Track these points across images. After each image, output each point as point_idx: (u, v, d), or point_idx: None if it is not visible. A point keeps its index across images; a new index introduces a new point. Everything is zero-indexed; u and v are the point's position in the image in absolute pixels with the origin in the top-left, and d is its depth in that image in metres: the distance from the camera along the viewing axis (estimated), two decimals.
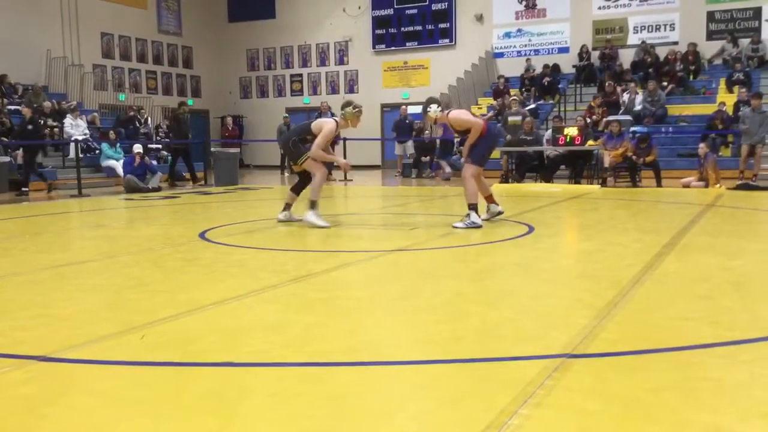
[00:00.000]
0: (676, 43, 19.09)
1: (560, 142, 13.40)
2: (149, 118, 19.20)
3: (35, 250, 6.23)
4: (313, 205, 7.03)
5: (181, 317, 3.53)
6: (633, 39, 19.80)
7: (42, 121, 15.85)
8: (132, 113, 18.16)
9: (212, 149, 16.79)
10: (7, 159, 13.98)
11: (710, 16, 18.96)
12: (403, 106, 18.59)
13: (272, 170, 17.40)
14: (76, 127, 16.18)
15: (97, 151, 16.04)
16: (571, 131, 13.33)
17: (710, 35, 18.93)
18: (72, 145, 15.04)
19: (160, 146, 17.74)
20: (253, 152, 24.27)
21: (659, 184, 12.45)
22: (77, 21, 19.94)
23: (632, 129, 14.55)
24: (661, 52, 18.79)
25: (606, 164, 13.03)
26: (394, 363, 2.86)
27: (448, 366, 2.79)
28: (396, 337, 3.25)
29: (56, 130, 15.99)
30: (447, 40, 21.96)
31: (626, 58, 19.39)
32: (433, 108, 7.02)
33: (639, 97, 16.71)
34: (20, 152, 14.35)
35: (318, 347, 3.04)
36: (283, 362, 2.85)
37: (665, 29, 19.50)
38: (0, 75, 16.98)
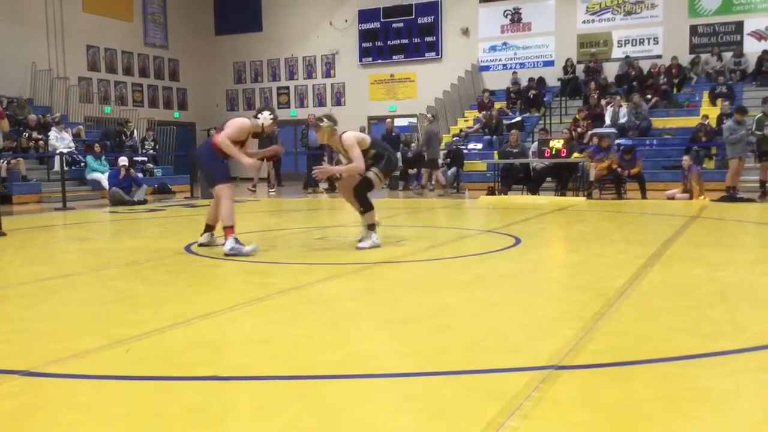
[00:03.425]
0: (659, 56, 19.30)
1: (546, 154, 13.47)
2: (135, 131, 19.13)
3: (19, 264, 6.17)
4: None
5: (166, 331, 3.50)
6: (617, 52, 20.00)
7: (27, 134, 15.77)
8: (119, 127, 18.09)
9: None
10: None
11: (693, 30, 19.20)
12: (389, 119, 18.64)
13: (259, 183, 17.35)
14: (61, 140, 16.08)
15: (82, 164, 15.95)
16: (557, 144, 13.41)
17: (693, 49, 19.17)
18: (57, 158, 14.94)
19: (146, 159, 17.65)
20: (239, 165, 24.17)
21: (644, 196, 12.54)
22: (63, 33, 19.87)
23: (617, 141, 14.67)
24: (645, 66, 18.99)
25: (592, 177, 13.12)
26: (382, 375, 2.85)
27: (435, 378, 2.78)
28: (383, 350, 3.23)
29: (41, 142, 15.89)
30: (433, 54, 22.08)
31: (611, 71, 19.58)
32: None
33: (623, 110, 16.86)
34: (4, 164, 14.25)
35: (305, 360, 3.02)
36: (269, 375, 2.83)
37: (649, 43, 19.72)
38: None
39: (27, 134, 15.81)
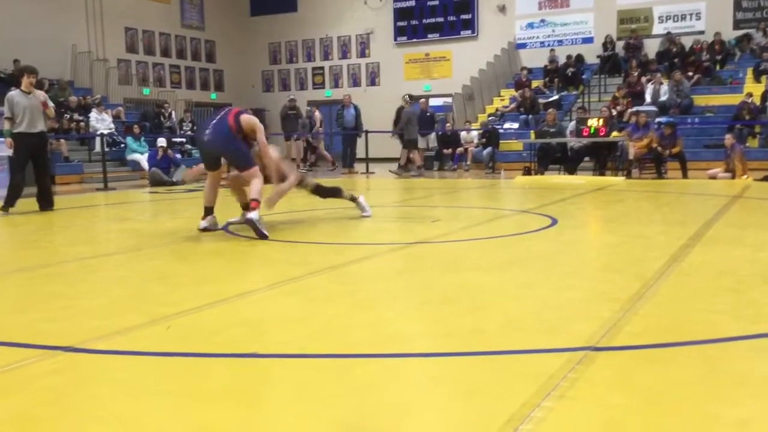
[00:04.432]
0: (702, 32, 18.79)
1: (584, 133, 13.28)
2: (173, 112, 19.36)
3: (62, 243, 6.32)
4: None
5: (205, 309, 3.56)
6: (658, 29, 19.52)
7: (68, 116, 16.08)
8: (158, 109, 18.33)
9: None
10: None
11: (737, 5, 18.63)
12: (423, 99, 18.58)
13: (293, 163, 17.48)
14: (101, 122, 16.37)
15: (122, 145, 16.22)
16: (596, 122, 13.19)
17: (737, 24, 18.61)
18: (98, 139, 15.22)
19: (184, 140, 17.88)
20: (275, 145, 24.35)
21: (685, 176, 12.30)
22: (102, 16, 20.13)
23: (657, 120, 14.38)
24: (687, 42, 18.51)
25: (631, 156, 12.90)
26: (416, 355, 2.86)
27: (469, 358, 2.78)
28: (418, 330, 3.24)
29: (82, 124, 16.19)
30: (469, 32, 21.82)
31: (651, 48, 19.14)
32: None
33: (664, 88, 16.50)
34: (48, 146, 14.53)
35: (340, 339, 3.05)
36: (306, 354, 2.86)
37: (691, 18, 19.20)
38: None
39: (68, 116, 16.12)
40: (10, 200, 8.51)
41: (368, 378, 2.57)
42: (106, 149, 14.50)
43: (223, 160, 6.28)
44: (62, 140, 15.20)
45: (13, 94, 8.55)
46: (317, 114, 18.86)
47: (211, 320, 3.40)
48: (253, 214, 5.83)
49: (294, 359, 2.82)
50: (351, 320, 3.36)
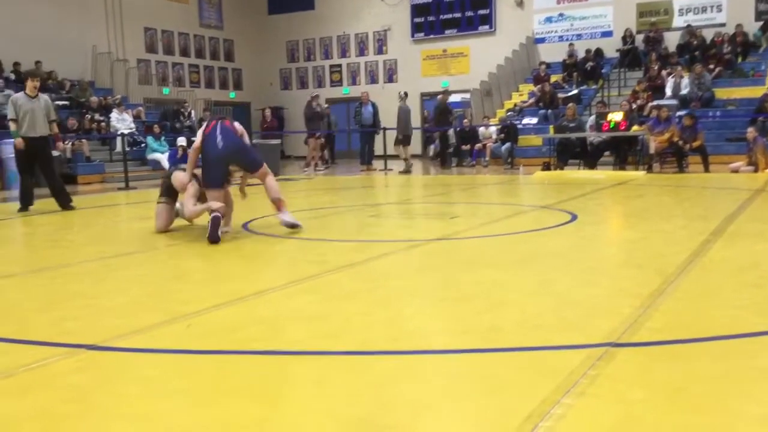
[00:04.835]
0: (723, 24, 18.55)
1: (604, 128, 13.18)
2: (193, 112, 19.49)
3: (84, 242, 6.39)
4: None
5: (223, 307, 3.58)
6: (678, 21, 19.30)
7: (89, 116, 16.26)
8: (177, 107, 18.47)
9: (253, 140, 16.92)
10: (57, 153, 14.34)
11: None
12: (440, 95, 18.54)
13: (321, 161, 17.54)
14: (122, 121, 16.52)
15: (143, 145, 16.36)
16: (616, 116, 13.08)
17: (759, 15, 18.33)
18: (119, 139, 15.36)
19: None
20: (293, 143, 24.43)
21: (707, 170, 12.16)
22: (121, 16, 20.31)
23: (678, 113, 14.23)
24: (708, 35, 18.28)
25: (652, 150, 12.78)
26: (435, 352, 2.86)
27: (488, 355, 2.77)
28: (436, 327, 3.24)
29: (103, 124, 16.36)
30: (487, 27, 21.73)
31: (671, 41, 18.93)
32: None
33: (685, 81, 16.31)
34: (69, 146, 14.72)
35: (359, 336, 3.06)
36: (324, 351, 2.87)
37: (711, 11, 18.95)
38: (48, 71, 17.41)
39: (89, 116, 16.29)
40: (23, 201, 8.64)
41: (387, 375, 2.57)
42: (127, 149, 14.62)
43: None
44: (84, 140, 15.36)
45: (18, 96, 8.68)
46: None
47: (230, 318, 3.42)
48: (287, 215, 6.18)
49: (312, 356, 2.83)
50: (369, 317, 3.36)
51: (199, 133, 6.23)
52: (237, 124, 6.31)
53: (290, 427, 2.15)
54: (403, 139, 16.02)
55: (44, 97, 8.88)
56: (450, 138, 17.47)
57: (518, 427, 2.04)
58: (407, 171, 15.18)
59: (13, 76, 16.54)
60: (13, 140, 8.91)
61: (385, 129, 16.60)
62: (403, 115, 15.99)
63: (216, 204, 5.80)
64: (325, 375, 2.59)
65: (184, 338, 3.08)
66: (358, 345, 2.93)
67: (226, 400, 2.36)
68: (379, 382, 2.48)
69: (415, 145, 22.16)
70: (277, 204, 6.26)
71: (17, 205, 8.68)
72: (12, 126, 8.56)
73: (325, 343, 2.97)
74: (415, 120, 20.80)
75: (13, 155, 8.88)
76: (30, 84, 8.63)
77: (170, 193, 6.45)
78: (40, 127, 8.56)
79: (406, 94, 16.75)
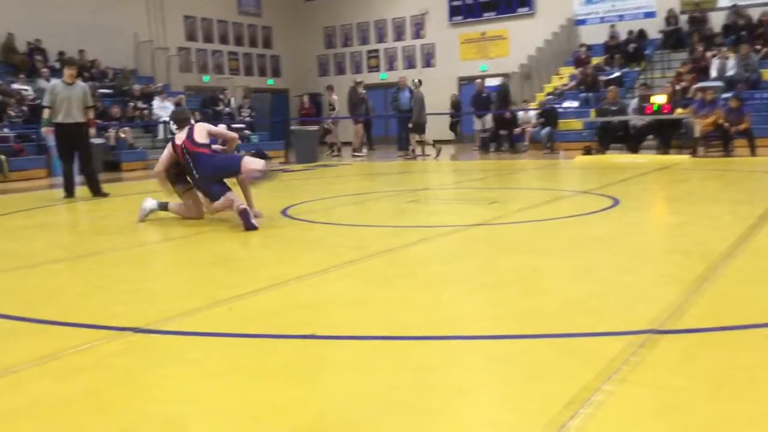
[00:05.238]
0: None
1: (647, 111, 12.92)
2: (232, 99, 19.67)
3: (127, 228, 6.52)
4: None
5: (264, 292, 3.64)
6: (724, 1, 18.71)
7: (132, 104, 16.55)
8: (215, 94, 18.66)
9: (291, 128, 17.05)
10: (101, 140, 14.65)
11: None
12: (479, 80, 18.33)
13: (350, 146, 17.56)
14: (163, 109, 16.76)
15: None
16: (659, 99, 12.82)
17: None
18: (161, 126, 15.62)
19: (242, 125, 18.16)
20: (345, 127, 24.44)
21: (753, 153, 11.84)
22: (162, 5, 20.56)
23: (724, 96, 13.86)
24: (755, 14, 17.72)
25: (696, 133, 12.48)
26: (474, 337, 2.86)
27: (527, 341, 2.77)
28: (475, 312, 3.24)
29: (145, 112, 16.63)
30: (526, 9, 21.41)
31: (717, 21, 18.38)
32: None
33: (731, 62, 15.86)
34: (112, 134, 15.01)
35: (398, 321, 3.07)
36: (363, 335, 2.90)
37: None
38: (91, 60, 17.75)
39: (132, 104, 16.58)
40: (67, 188, 8.84)
41: (425, 360, 2.58)
42: (169, 136, 14.83)
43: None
44: (127, 128, 15.64)
45: (55, 83, 8.86)
46: (334, 97, 18.50)
47: (271, 302, 3.47)
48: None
49: (352, 341, 2.86)
50: (407, 302, 3.38)
51: (178, 138, 6.17)
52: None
53: (331, 408, 2.18)
54: (415, 127, 15.94)
55: (81, 84, 9.04)
56: (487, 123, 17.33)
57: (558, 414, 2.04)
58: (413, 157, 15.23)
59: (58, 65, 16.91)
60: (43, 129, 9.13)
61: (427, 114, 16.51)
62: (418, 102, 15.95)
63: (236, 201, 5.81)
64: (364, 359, 2.61)
65: (226, 322, 3.14)
66: (396, 330, 2.95)
67: (267, 382, 2.41)
68: (418, 367, 2.49)
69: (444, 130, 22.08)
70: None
71: (63, 191, 8.89)
72: (45, 113, 8.76)
73: (364, 328, 3.00)
74: (445, 105, 20.74)
75: (56, 143, 9.08)
76: (67, 72, 8.81)
77: (183, 179, 6.40)
78: (76, 114, 8.73)
79: (420, 81, 16.71)
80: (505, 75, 18.28)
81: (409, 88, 17.26)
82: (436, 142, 15.78)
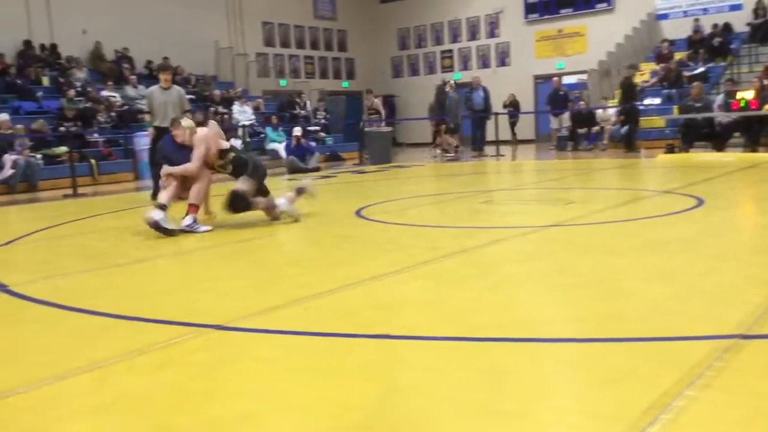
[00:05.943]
0: None
1: (734, 107, 12.39)
2: (308, 102, 20.00)
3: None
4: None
5: (339, 291, 3.68)
6: None
7: (213, 109, 17.05)
8: (292, 97, 19.01)
9: (365, 129, 17.17)
10: None
11: None
12: (555, 78, 17.96)
13: (424, 148, 17.56)
14: (243, 114, 17.22)
15: (262, 135, 16.99)
16: (747, 95, 12.27)
17: None
18: (240, 130, 16.04)
19: (318, 128, 18.42)
20: (405, 131, 24.55)
21: None
22: (241, 12, 21.13)
23: None
24: None
25: None
26: (550, 340, 2.82)
27: (606, 344, 2.70)
28: (551, 314, 3.19)
29: (226, 116, 17.12)
30: (605, 4, 20.88)
31: None
32: (186, 122, 6.44)
33: None
34: None
35: (472, 322, 3.06)
36: (437, 336, 2.90)
37: None
38: (174, 66, 18.39)
39: (213, 109, 17.09)
40: (155, 191, 9.16)
41: (501, 361, 2.56)
42: (248, 139, 15.24)
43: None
44: None
45: (153, 89, 9.19)
46: (376, 101, 18.19)
47: (346, 302, 3.51)
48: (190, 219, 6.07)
49: (426, 341, 2.86)
50: (481, 303, 3.36)
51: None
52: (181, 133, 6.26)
53: (407, 409, 2.19)
54: (456, 128, 16.07)
55: (177, 88, 9.35)
56: (564, 122, 16.99)
57: (637, 419, 1.98)
58: (455, 158, 15.28)
59: (145, 71, 17.62)
60: (145, 132, 9.52)
61: (496, 114, 16.36)
62: (453, 104, 15.87)
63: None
64: (439, 360, 2.61)
65: (302, 320, 3.20)
66: (471, 331, 2.93)
67: (343, 381, 2.44)
68: (493, 369, 2.47)
69: (528, 130, 21.70)
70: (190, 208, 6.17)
71: (149, 195, 9.23)
72: (147, 117, 9.13)
73: (438, 329, 3.00)
74: (529, 103, 20.39)
75: (148, 147, 9.45)
76: (162, 77, 9.15)
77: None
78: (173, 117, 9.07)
79: (455, 83, 16.63)
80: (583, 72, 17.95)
81: (483, 87, 17.12)
82: (520, 141, 15.74)
